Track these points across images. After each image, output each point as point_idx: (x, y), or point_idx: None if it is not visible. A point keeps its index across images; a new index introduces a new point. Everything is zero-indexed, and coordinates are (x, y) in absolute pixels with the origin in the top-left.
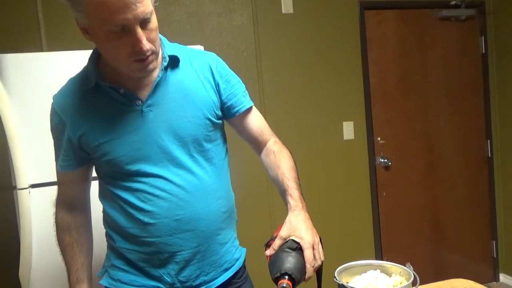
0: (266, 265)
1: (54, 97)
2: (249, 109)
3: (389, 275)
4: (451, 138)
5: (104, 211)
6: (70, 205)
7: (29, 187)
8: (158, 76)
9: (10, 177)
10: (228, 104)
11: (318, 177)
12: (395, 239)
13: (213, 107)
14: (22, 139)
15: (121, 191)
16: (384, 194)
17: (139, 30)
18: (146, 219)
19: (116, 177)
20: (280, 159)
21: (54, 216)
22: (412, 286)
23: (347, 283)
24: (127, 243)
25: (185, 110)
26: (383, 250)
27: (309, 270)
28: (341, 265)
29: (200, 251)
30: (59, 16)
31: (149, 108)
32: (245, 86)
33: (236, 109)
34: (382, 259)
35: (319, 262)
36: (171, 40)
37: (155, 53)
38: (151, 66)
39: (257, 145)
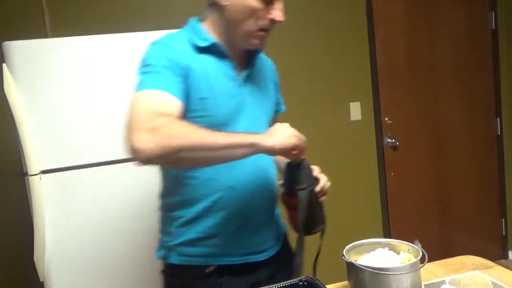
0: None
1: (161, 41)
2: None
3: (398, 252)
4: (460, 116)
5: (175, 183)
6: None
7: (40, 173)
8: (255, 58)
9: (21, 164)
10: (275, 103)
11: (325, 158)
12: (404, 219)
13: (274, 101)
14: (31, 126)
15: None
16: (392, 174)
17: (281, 3)
18: (229, 183)
19: None
20: None
21: (136, 138)
22: (421, 263)
23: (356, 261)
24: (204, 210)
25: (265, 95)
26: (391, 229)
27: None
28: (349, 244)
29: (269, 218)
30: (63, 2)
31: (245, 82)
32: None
33: (277, 108)
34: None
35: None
36: (175, 23)
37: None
38: (265, 40)
39: None
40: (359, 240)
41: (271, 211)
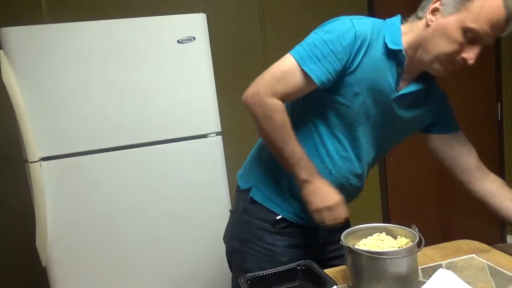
0: None
1: (357, 22)
2: None
3: (395, 237)
4: (460, 101)
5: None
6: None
7: (40, 160)
8: (420, 86)
9: (21, 151)
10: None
11: None
12: (403, 204)
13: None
14: (30, 113)
15: (329, 135)
16: (392, 160)
17: (479, 49)
18: (333, 170)
19: (335, 123)
20: None
21: (264, 100)
22: (417, 247)
23: (354, 245)
24: None
25: (409, 123)
26: (390, 214)
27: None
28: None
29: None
30: None
31: (395, 100)
32: (250, 55)
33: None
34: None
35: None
36: (174, 9)
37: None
38: (447, 73)
39: None
40: (358, 225)
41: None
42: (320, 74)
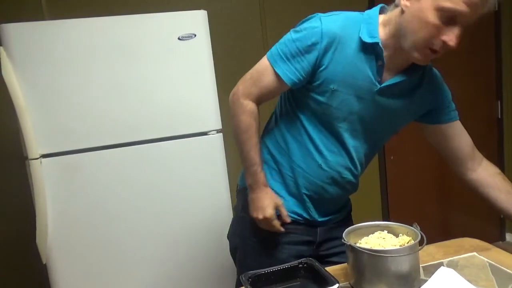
0: None
1: (326, 20)
2: None
3: (396, 235)
4: (460, 99)
5: (280, 139)
6: (257, 103)
7: (40, 157)
8: (406, 76)
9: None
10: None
11: None
12: (403, 202)
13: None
14: (31, 109)
15: (316, 132)
16: (392, 158)
17: (459, 29)
18: (323, 165)
19: (318, 120)
20: None
21: (239, 101)
22: (419, 246)
23: (355, 243)
24: (293, 172)
25: (398, 113)
26: (390, 212)
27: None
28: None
29: (336, 205)
30: None
31: (380, 93)
32: (251, 52)
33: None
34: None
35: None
36: (175, 5)
37: (439, 54)
38: (429, 59)
39: None
40: (358, 223)
41: (340, 203)
42: (290, 73)
